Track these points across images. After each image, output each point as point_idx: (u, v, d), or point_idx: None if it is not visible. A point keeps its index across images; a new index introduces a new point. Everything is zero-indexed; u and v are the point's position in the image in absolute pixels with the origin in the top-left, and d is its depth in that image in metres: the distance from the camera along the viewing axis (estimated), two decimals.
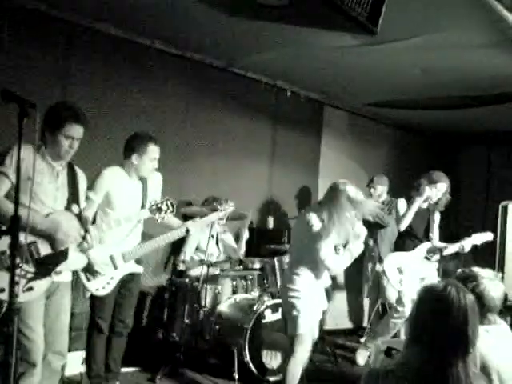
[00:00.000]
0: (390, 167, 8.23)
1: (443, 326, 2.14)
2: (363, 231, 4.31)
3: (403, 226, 5.56)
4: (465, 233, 5.65)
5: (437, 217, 5.80)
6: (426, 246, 5.56)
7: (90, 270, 3.95)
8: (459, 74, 5.93)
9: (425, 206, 5.66)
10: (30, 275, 3.20)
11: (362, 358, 5.81)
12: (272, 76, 6.73)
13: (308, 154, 7.57)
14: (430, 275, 5.48)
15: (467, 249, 5.48)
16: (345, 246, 4.32)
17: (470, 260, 7.73)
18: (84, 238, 3.45)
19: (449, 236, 6.01)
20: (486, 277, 2.90)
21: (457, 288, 2.20)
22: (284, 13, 2.28)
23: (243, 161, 6.70)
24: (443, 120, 8.17)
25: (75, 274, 3.83)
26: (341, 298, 7.53)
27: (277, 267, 5.52)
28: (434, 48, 5.13)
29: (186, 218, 4.88)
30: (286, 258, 5.43)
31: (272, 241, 6.17)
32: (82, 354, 4.52)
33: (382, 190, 6.67)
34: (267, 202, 7.04)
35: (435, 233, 5.74)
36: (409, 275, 5.42)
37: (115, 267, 4.11)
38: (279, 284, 5.38)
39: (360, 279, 7.02)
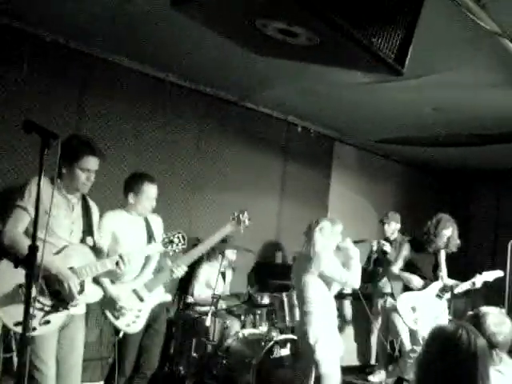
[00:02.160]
0: (399, 204, 8.22)
1: (452, 369, 2.11)
2: (346, 240, 4.61)
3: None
4: (474, 270, 5.63)
5: (443, 254, 5.75)
6: (438, 284, 5.52)
7: (115, 307, 3.94)
8: (470, 113, 5.98)
9: (431, 250, 5.63)
10: (47, 308, 3.19)
11: None
12: (283, 111, 6.80)
13: (317, 190, 7.59)
14: (443, 313, 5.44)
15: (478, 285, 5.46)
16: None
17: (480, 298, 7.67)
18: (117, 264, 3.48)
19: (458, 273, 5.97)
20: (495, 316, 2.89)
21: (468, 331, 2.17)
22: (311, 52, 2.32)
23: (253, 195, 6.71)
24: (453, 157, 8.21)
25: (103, 313, 3.85)
26: (348, 334, 7.44)
27: (285, 302, 5.47)
28: (447, 86, 5.19)
29: None
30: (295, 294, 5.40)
31: (280, 276, 6.14)
32: None
33: (395, 227, 6.65)
34: (276, 236, 7.03)
35: (444, 271, 5.71)
36: (423, 314, 5.38)
37: (141, 299, 4.09)
38: (287, 319, 5.35)
39: (367, 316, 6.95)
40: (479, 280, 5.45)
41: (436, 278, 5.56)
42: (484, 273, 5.49)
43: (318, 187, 7.60)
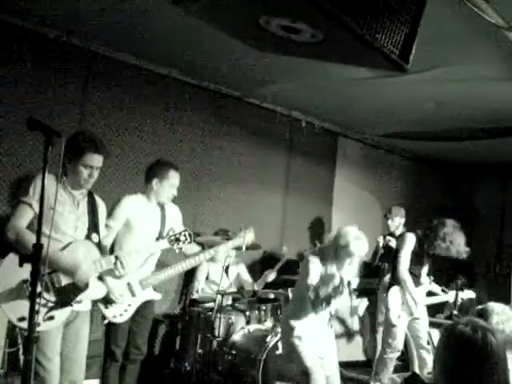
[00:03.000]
0: (403, 198, 8.22)
1: (476, 370, 2.09)
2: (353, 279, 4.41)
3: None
4: (479, 263, 5.64)
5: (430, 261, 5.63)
6: (426, 287, 5.50)
7: (107, 297, 3.93)
8: (474, 107, 5.96)
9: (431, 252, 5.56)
10: (50, 304, 3.20)
11: None
12: (287, 106, 6.79)
13: (322, 185, 7.58)
14: (422, 315, 5.45)
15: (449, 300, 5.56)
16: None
17: (484, 294, 7.67)
18: (115, 264, 3.50)
19: (462, 268, 5.97)
20: (500, 313, 2.89)
21: (484, 332, 2.14)
22: (315, 48, 2.31)
23: (257, 190, 6.72)
24: (457, 151, 8.19)
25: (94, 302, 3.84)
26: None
27: (290, 298, 5.47)
28: (450, 80, 5.17)
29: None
30: None
31: (285, 271, 6.14)
32: (96, 383, 4.50)
33: (399, 221, 6.61)
34: (281, 232, 7.03)
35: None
36: (405, 312, 5.36)
37: (133, 294, 4.10)
38: None
39: (373, 311, 6.94)
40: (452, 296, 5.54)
41: (418, 282, 5.46)
42: (465, 291, 5.58)
43: (323, 182, 7.59)
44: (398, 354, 5.40)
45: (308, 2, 1.96)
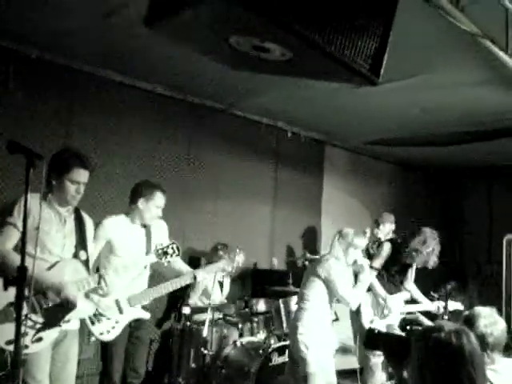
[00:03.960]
0: (392, 205, 8.24)
1: (446, 373, 2.11)
2: (365, 261, 4.74)
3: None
4: (470, 267, 5.64)
5: (414, 268, 5.70)
6: (404, 295, 5.52)
7: (94, 313, 3.92)
8: (458, 111, 6.01)
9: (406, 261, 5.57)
10: (38, 325, 3.19)
11: None
12: (272, 117, 6.81)
13: (310, 194, 7.60)
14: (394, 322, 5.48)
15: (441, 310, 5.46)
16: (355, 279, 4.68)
17: (475, 296, 7.69)
18: (99, 283, 3.48)
19: (452, 271, 5.98)
20: (486, 317, 2.91)
21: (458, 334, 2.16)
22: (285, 66, 2.33)
23: (245, 202, 6.73)
24: (444, 156, 8.23)
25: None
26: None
27: (282, 309, 5.46)
28: (432, 87, 5.22)
29: (191, 261, 4.88)
30: (292, 300, 5.40)
31: (277, 282, 6.14)
32: None
33: (389, 228, 6.65)
34: (271, 242, 7.03)
35: (411, 284, 5.72)
36: (377, 316, 5.38)
37: (120, 311, 4.08)
38: (285, 326, 5.35)
39: None
40: (436, 305, 5.48)
41: (398, 289, 5.55)
42: (450, 302, 5.47)
43: (311, 191, 7.61)
44: (381, 359, 5.38)
45: (276, 24, 1.98)
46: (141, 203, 4.23)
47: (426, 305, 5.56)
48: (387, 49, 2.41)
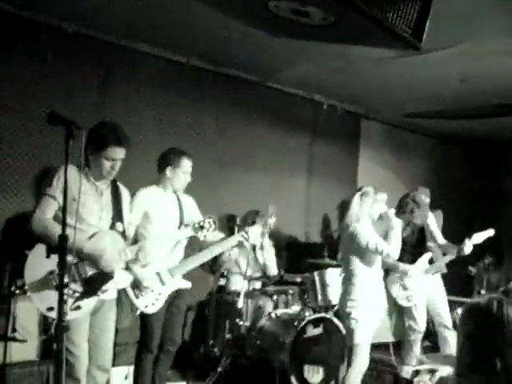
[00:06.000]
0: (428, 179, 8.12)
1: (491, 341, 2.10)
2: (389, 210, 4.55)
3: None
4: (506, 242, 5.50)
5: (431, 221, 5.56)
6: (426, 257, 5.42)
7: (138, 287, 3.99)
8: (499, 82, 5.85)
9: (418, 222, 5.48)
10: (77, 294, 3.25)
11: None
12: (309, 89, 6.75)
13: (346, 167, 7.54)
14: (436, 288, 5.44)
15: (467, 251, 5.22)
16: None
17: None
18: (137, 254, 3.52)
19: (490, 245, 5.83)
20: None
21: (499, 302, 2.15)
22: (326, 31, 2.29)
23: (281, 175, 6.70)
24: (482, 129, 8.06)
25: (124, 291, 3.88)
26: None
27: (317, 281, 5.47)
28: (473, 57, 5.09)
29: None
30: (327, 272, 5.41)
31: (312, 255, 6.14)
32: (125, 370, 4.57)
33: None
34: (305, 215, 7.02)
35: (438, 235, 5.57)
36: (415, 290, 5.33)
37: (163, 283, 4.13)
38: (320, 298, 5.37)
39: None
40: (469, 245, 5.20)
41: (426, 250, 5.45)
42: (474, 235, 5.24)
43: (347, 164, 7.56)
44: (420, 335, 5.40)
45: None
46: (169, 171, 4.25)
47: (448, 256, 5.43)
48: (429, 14, 2.35)
